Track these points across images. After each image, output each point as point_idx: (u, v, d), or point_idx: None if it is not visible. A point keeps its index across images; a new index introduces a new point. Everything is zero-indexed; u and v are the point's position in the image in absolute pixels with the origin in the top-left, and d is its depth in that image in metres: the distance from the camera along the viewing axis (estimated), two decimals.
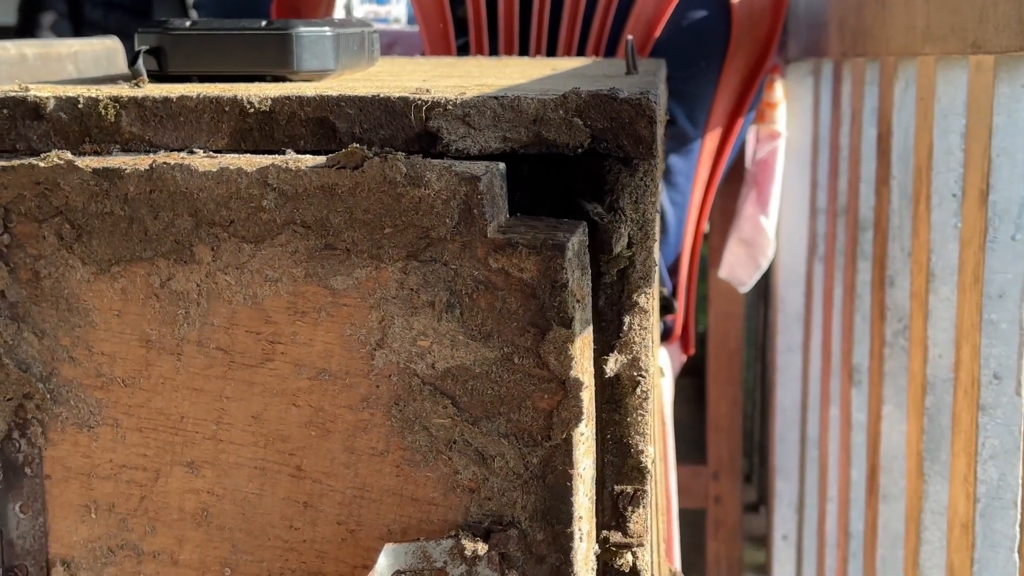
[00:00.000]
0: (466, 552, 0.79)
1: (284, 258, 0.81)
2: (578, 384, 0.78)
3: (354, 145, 0.79)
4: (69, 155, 0.83)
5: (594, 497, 0.84)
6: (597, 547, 0.84)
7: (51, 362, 0.85)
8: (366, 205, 0.79)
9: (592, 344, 0.81)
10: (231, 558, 0.86)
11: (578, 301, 0.78)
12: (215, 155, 0.84)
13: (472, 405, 0.80)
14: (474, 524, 0.81)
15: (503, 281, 0.78)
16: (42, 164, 0.82)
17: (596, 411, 0.86)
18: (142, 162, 0.82)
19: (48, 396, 0.85)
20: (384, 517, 0.83)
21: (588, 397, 0.80)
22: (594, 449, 0.82)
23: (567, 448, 0.79)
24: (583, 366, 0.79)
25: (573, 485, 0.80)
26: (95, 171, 0.82)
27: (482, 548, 0.79)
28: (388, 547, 0.78)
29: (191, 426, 0.85)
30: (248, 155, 0.85)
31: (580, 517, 0.81)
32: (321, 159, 0.80)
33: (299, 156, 0.82)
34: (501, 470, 0.80)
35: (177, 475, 0.85)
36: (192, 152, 0.85)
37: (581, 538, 0.81)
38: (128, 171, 0.81)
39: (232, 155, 0.85)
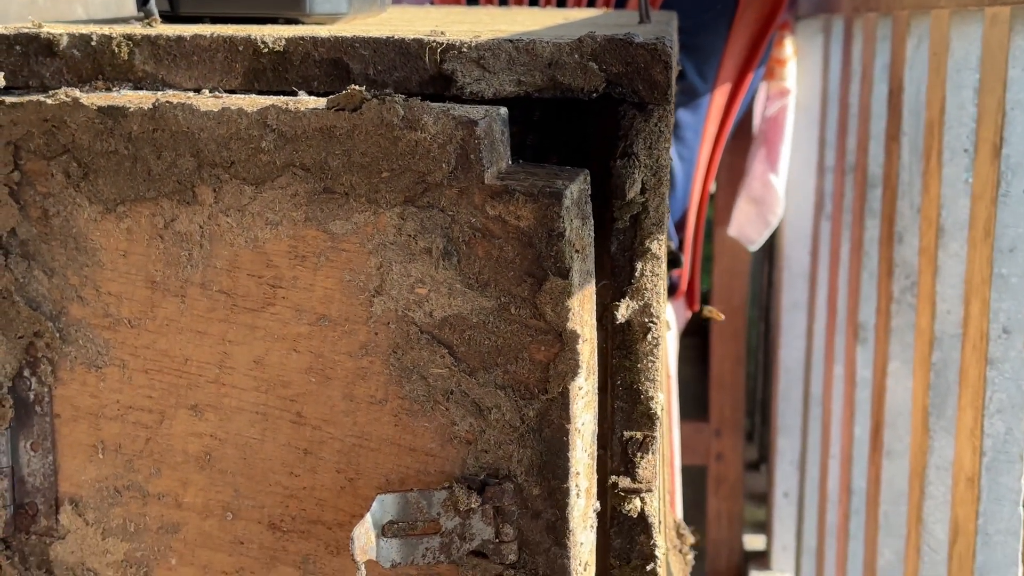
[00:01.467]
0: (459, 505, 0.78)
1: (284, 201, 0.80)
2: (575, 336, 0.77)
3: (353, 86, 0.77)
4: (76, 92, 0.82)
5: (595, 453, 0.83)
6: (597, 504, 0.84)
7: (60, 301, 0.85)
8: (363, 148, 0.78)
9: (594, 296, 0.80)
10: (233, 503, 0.85)
11: (577, 251, 0.77)
12: (220, 95, 0.83)
13: (469, 355, 0.79)
14: (470, 476, 0.80)
15: (500, 229, 0.77)
16: (49, 101, 0.81)
17: (606, 358, 0.86)
18: (146, 100, 0.81)
19: (57, 335, 0.85)
20: (382, 466, 0.82)
21: (588, 350, 0.79)
22: (595, 404, 0.82)
23: (564, 402, 0.78)
24: (582, 318, 0.78)
25: (570, 440, 0.79)
26: (100, 109, 0.81)
27: (476, 501, 0.78)
28: (381, 497, 0.78)
29: (195, 369, 0.84)
30: (252, 96, 0.84)
31: (577, 473, 0.80)
32: (322, 101, 0.79)
33: (302, 98, 0.81)
34: (498, 422, 0.79)
35: (181, 418, 0.85)
36: (200, 92, 0.85)
37: (578, 495, 0.80)
38: (132, 109, 0.81)
39: (239, 95, 0.84)
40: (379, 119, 0.77)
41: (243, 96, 0.84)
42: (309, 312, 0.81)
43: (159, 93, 0.84)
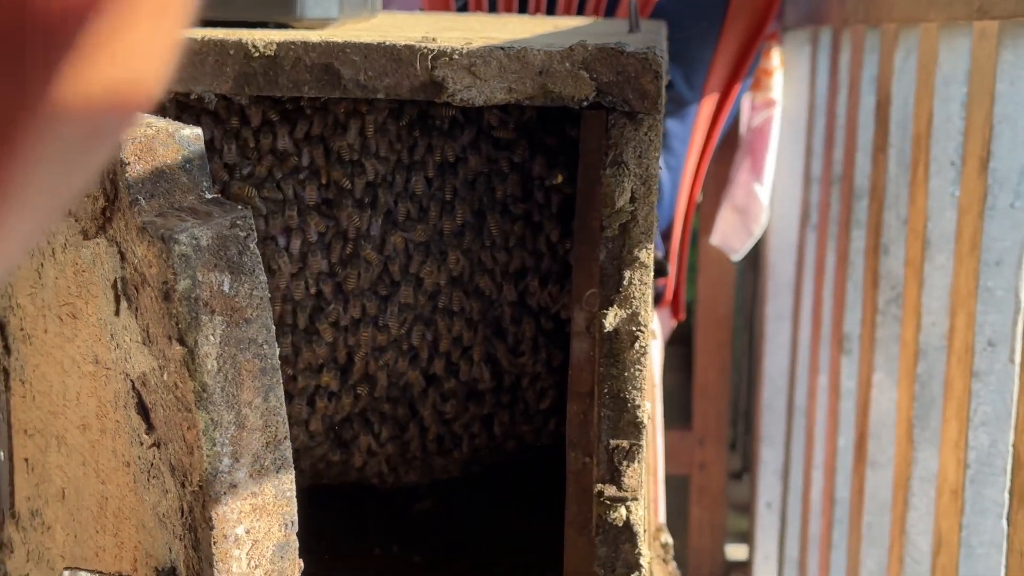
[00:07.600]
0: None
1: (61, 219, 0.70)
2: (206, 419, 0.62)
3: None
4: None
5: (288, 571, 0.67)
6: None
7: (5, 308, 0.82)
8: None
9: (276, 370, 0.63)
10: (74, 550, 0.78)
11: (216, 312, 0.61)
12: None
13: (157, 423, 0.66)
14: (164, 568, 0.68)
15: (150, 276, 0.63)
16: None
17: (594, 366, 0.85)
18: None
19: (2, 343, 0.83)
20: (133, 538, 0.71)
21: (261, 441, 0.63)
22: (285, 510, 0.65)
23: (203, 499, 0.63)
24: (235, 397, 0.62)
25: (216, 548, 0.63)
26: None
27: None
28: (66, 571, 0.71)
29: (57, 397, 0.77)
30: None
31: None
32: None
33: None
34: (171, 509, 0.66)
35: (53, 447, 0.78)
36: (190, 95, 0.84)
37: None
38: None
39: None
40: None
41: None
42: (88, 351, 0.71)
43: None
